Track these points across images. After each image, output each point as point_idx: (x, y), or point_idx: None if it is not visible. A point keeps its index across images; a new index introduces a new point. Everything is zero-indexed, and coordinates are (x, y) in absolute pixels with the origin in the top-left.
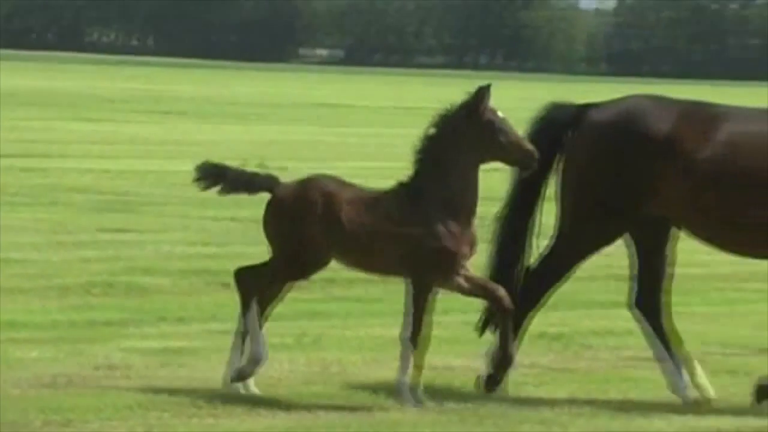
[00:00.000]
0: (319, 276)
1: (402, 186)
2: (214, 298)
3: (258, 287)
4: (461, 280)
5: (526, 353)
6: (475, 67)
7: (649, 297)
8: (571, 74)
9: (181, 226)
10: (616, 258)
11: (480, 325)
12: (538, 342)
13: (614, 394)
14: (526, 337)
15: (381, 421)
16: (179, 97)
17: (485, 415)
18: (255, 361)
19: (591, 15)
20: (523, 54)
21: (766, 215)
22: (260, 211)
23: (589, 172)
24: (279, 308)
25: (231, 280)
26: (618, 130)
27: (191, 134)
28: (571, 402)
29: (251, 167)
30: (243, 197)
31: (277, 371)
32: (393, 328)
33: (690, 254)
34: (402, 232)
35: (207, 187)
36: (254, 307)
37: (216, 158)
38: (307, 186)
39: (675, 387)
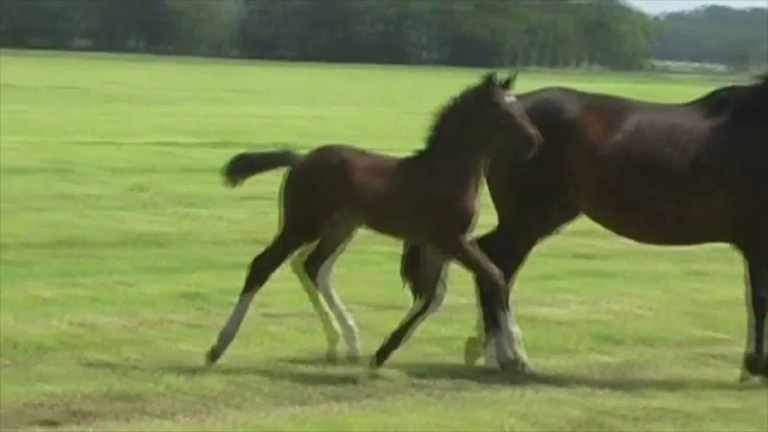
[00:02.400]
0: None
1: (417, 156)
2: None
3: (271, 270)
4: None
5: (170, 310)
6: (123, 50)
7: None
8: (211, 57)
9: None
10: (247, 224)
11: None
12: (178, 301)
13: (254, 348)
14: (167, 298)
15: (34, 375)
16: None
17: (129, 367)
18: (227, 338)
19: (230, 3)
20: (167, 39)
21: (666, 202)
22: None
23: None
24: None
25: None
26: (533, 120)
27: None
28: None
29: None
30: None
31: None
32: (44, 289)
33: None
34: (424, 195)
35: (236, 182)
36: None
37: None
38: (324, 154)
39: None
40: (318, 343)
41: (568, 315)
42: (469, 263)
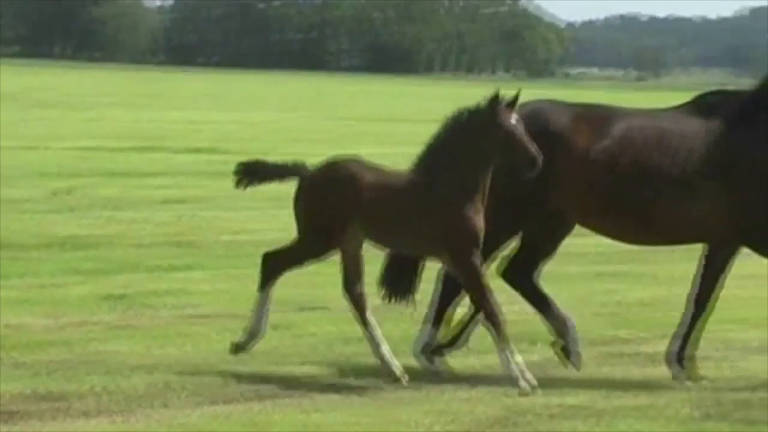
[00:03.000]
0: None
1: (422, 172)
2: None
3: (281, 269)
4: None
5: (95, 311)
6: (50, 56)
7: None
8: (136, 64)
9: None
10: (171, 226)
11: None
12: (103, 303)
13: (172, 348)
14: (92, 299)
15: None
16: None
17: (55, 367)
18: (253, 335)
19: (154, 11)
20: (93, 46)
21: (654, 205)
22: None
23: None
24: None
25: None
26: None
27: None
28: (131, 354)
29: None
30: None
31: None
32: None
33: (242, 223)
34: (428, 211)
35: (247, 185)
36: (270, 288)
37: None
38: (333, 169)
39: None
40: None
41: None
42: (472, 286)
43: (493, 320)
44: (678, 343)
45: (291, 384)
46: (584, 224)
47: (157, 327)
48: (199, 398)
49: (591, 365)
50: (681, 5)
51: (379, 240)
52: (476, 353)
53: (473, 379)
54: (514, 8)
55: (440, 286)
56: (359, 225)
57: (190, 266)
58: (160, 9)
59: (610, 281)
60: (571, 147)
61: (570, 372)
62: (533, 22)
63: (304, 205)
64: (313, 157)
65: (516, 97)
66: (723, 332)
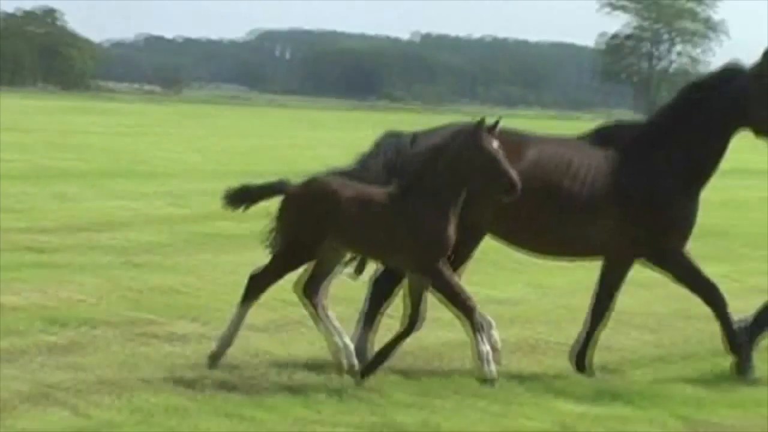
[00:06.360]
0: None
1: (400, 190)
2: None
3: (266, 285)
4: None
5: None
6: None
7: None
8: None
9: None
10: None
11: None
12: None
13: None
14: None
15: None
16: None
17: None
18: (225, 343)
19: None
20: None
21: (563, 222)
22: None
23: None
24: None
25: None
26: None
27: None
28: None
29: None
30: None
31: None
32: None
33: None
34: (397, 225)
35: (236, 208)
36: (250, 304)
37: None
38: (314, 185)
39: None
40: None
41: (21, 301)
42: (441, 286)
43: (467, 311)
44: (577, 347)
45: None
46: (499, 238)
47: None
48: None
49: (116, 344)
50: (197, 29)
51: (359, 252)
52: (13, 335)
53: (8, 359)
54: (52, 27)
55: (372, 289)
56: (336, 236)
57: None
58: None
59: (135, 270)
60: None
61: (96, 351)
62: (68, 39)
63: (286, 220)
64: None
65: (497, 123)
66: None
